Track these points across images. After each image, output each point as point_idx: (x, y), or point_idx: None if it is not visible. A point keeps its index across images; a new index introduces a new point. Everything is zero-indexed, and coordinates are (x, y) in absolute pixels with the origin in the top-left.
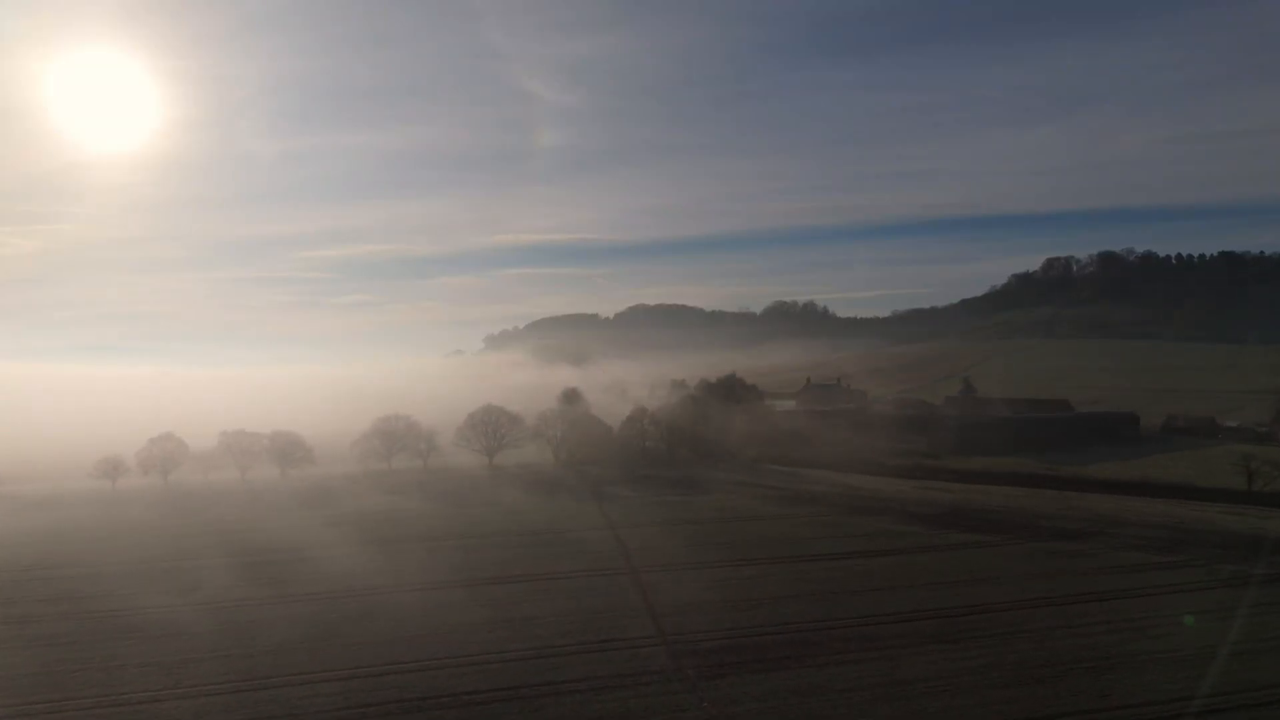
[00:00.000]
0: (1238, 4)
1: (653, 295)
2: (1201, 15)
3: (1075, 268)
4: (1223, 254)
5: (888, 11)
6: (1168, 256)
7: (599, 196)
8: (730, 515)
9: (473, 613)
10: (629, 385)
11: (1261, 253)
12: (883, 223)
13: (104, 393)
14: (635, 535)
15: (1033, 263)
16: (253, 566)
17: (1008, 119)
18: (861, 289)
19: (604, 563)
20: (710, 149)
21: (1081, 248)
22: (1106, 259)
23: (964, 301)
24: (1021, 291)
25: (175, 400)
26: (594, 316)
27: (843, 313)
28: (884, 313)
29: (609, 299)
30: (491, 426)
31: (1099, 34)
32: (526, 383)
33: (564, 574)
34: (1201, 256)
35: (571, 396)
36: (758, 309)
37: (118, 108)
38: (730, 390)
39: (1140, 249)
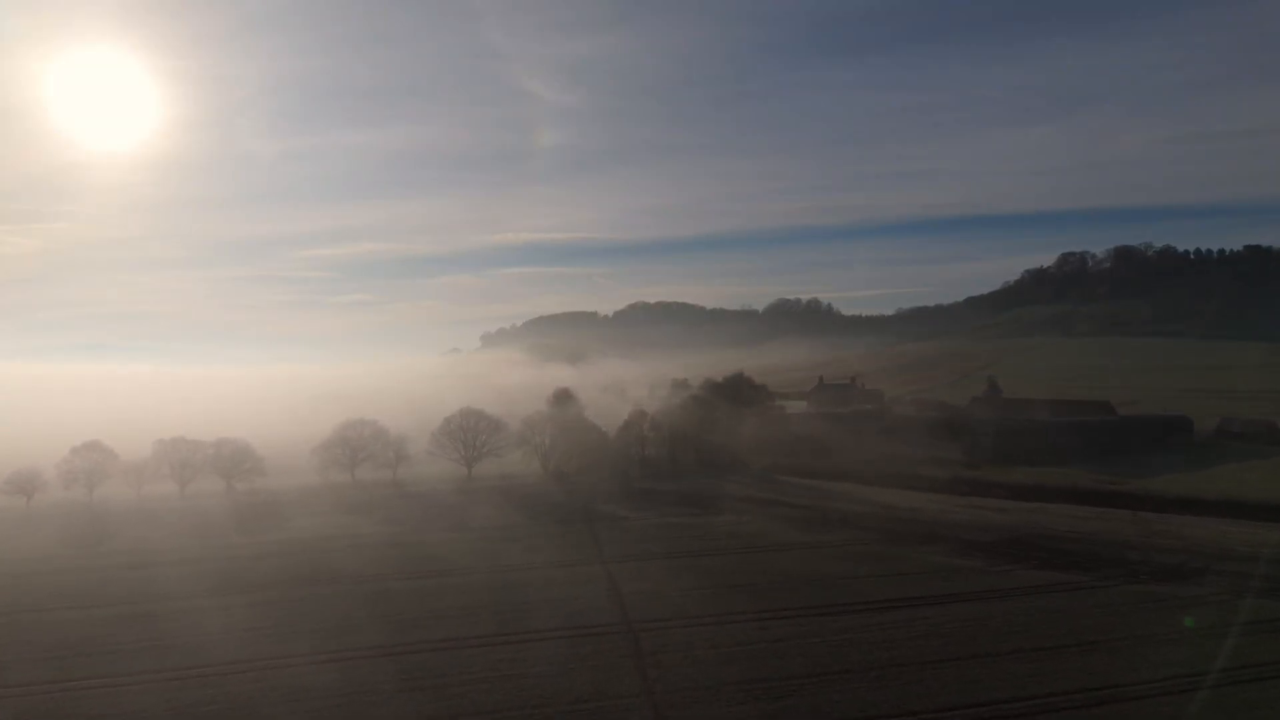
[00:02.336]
0: (1238, 4)
1: (653, 294)
2: (1202, 15)
3: (1090, 263)
4: (1248, 248)
5: (888, 11)
6: (1186, 252)
7: (599, 196)
8: (747, 543)
9: (404, 705)
10: (628, 385)
11: None
12: (882, 222)
13: (90, 393)
14: (632, 573)
15: (1034, 261)
16: (117, 623)
17: (1007, 118)
18: (862, 288)
19: (592, 616)
20: (710, 149)
21: (1082, 246)
22: (1122, 253)
23: (969, 299)
24: (1034, 288)
25: (157, 401)
26: (593, 314)
27: (846, 311)
28: (888, 311)
29: (609, 298)
30: (469, 433)
31: (1099, 33)
32: (521, 382)
33: (538, 634)
34: (1222, 251)
35: (562, 398)
36: (759, 308)
37: (117, 107)
38: (737, 391)
39: (1158, 244)
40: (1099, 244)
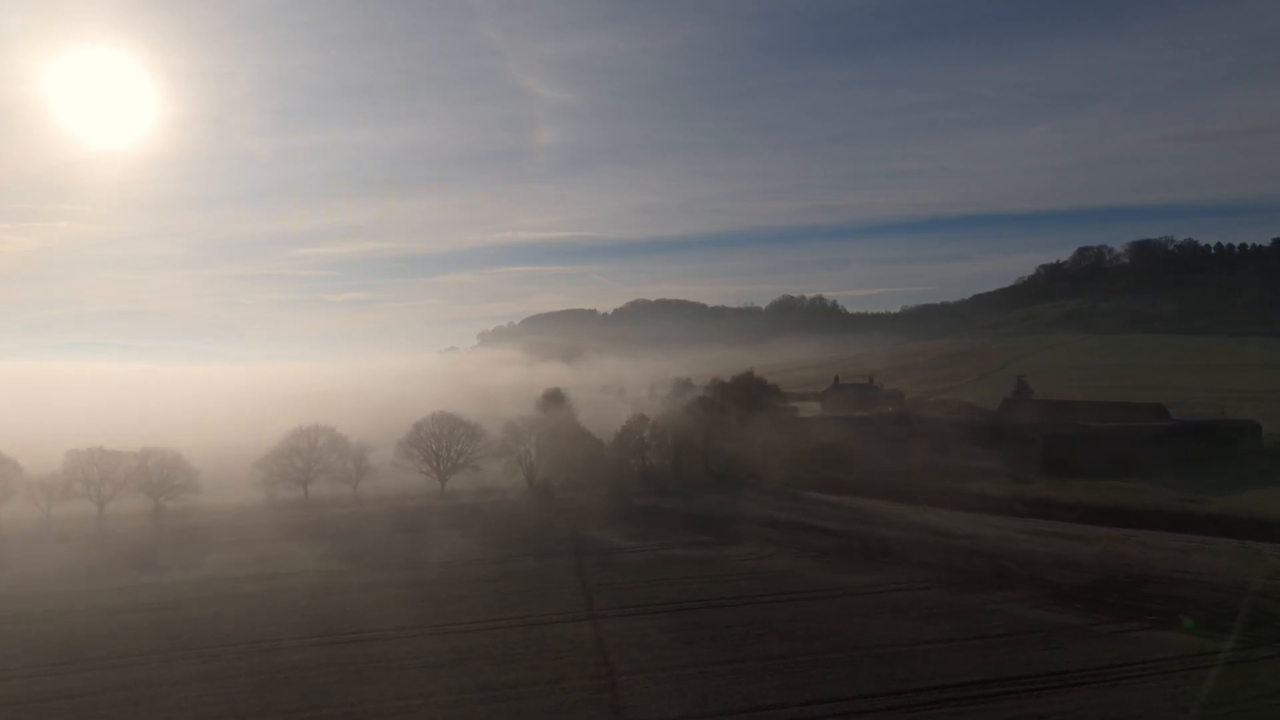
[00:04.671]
0: (1237, 2)
1: (653, 292)
2: (1202, 14)
3: (1107, 258)
4: (1277, 241)
5: (886, 10)
6: (1207, 246)
7: (598, 194)
8: (775, 587)
9: None
10: (627, 384)
11: None
12: (881, 221)
13: (73, 392)
14: (628, 637)
15: (1034, 260)
16: None
17: (1006, 117)
18: (862, 287)
19: (574, 713)
20: (709, 147)
21: (1083, 244)
22: (1141, 248)
23: (977, 297)
24: (1048, 284)
25: (134, 401)
26: (592, 312)
27: (851, 309)
28: (893, 309)
29: (609, 296)
30: (442, 441)
31: (1098, 32)
32: (513, 382)
33: None
34: (1244, 246)
35: (552, 400)
36: (762, 305)
37: (115, 105)
38: (747, 392)
39: (1179, 237)
40: (1100, 242)
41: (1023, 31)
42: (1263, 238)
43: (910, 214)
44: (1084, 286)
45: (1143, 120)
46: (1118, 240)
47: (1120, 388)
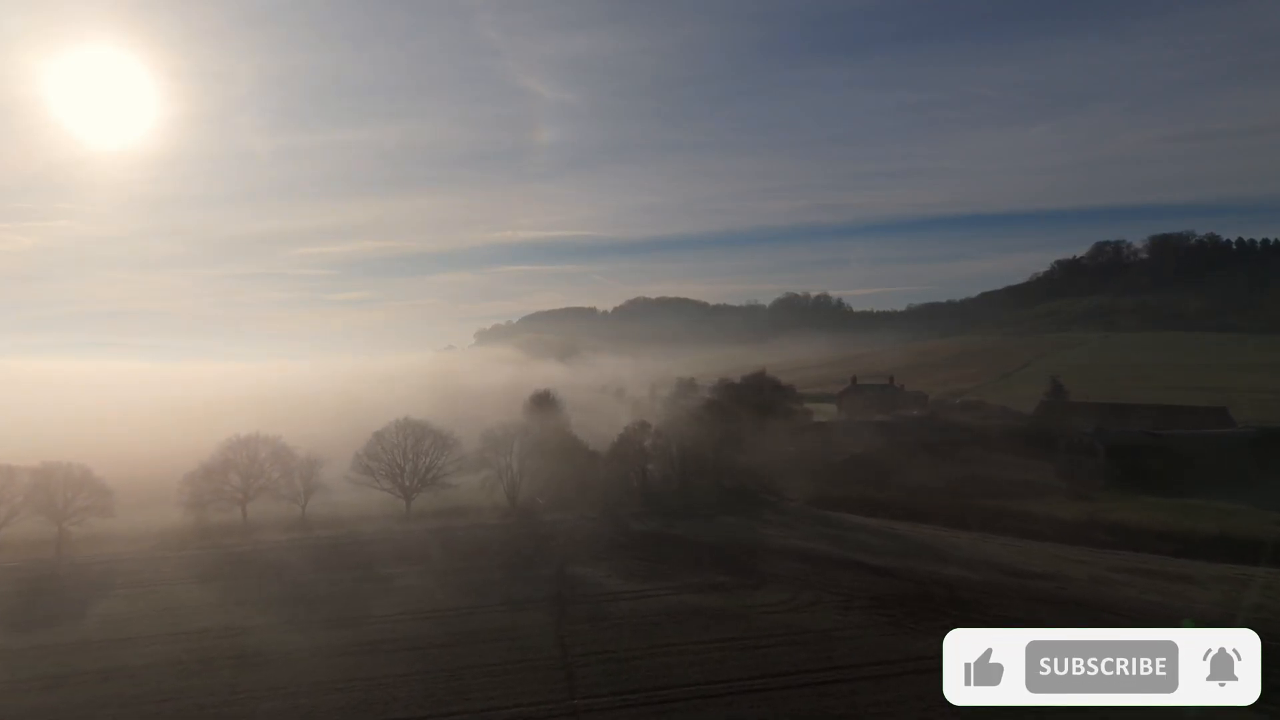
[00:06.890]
0: (1237, 2)
1: (653, 291)
2: (1206, 13)
3: (1125, 253)
4: None
5: (886, 10)
6: (1228, 241)
7: (598, 194)
8: (821, 658)
9: None
10: (626, 384)
11: None
12: (882, 220)
13: (39, 392)
14: None
15: (1036, 260)
16: None
17: (1006, 117)
18: (862, 286)
19: None
20: (709, 147)
21: (1085, 242)
22: (1160, 243)
23: (984, 294)
24: (1064, 281)
25: (87, 403)
26: (591, 310)
27: (855, 307)
28: (899, 307)
29: (609, 295)
30: (408, 452)
31: (1098, 32)
32: (506, 383)
33: None
34: (1265, 241)
35: (541, 403)
36: (765, 304)
37: (115, 104)
38: (760, 394)
39: (1200, 232)
40: (1101, 239)
41: (1023, 31)
42: (1266, 236)
43: (911, 214)
44: (1103, 283)
45: (1143, 120)
46: (1119, 235)
47: (1158, 388)
